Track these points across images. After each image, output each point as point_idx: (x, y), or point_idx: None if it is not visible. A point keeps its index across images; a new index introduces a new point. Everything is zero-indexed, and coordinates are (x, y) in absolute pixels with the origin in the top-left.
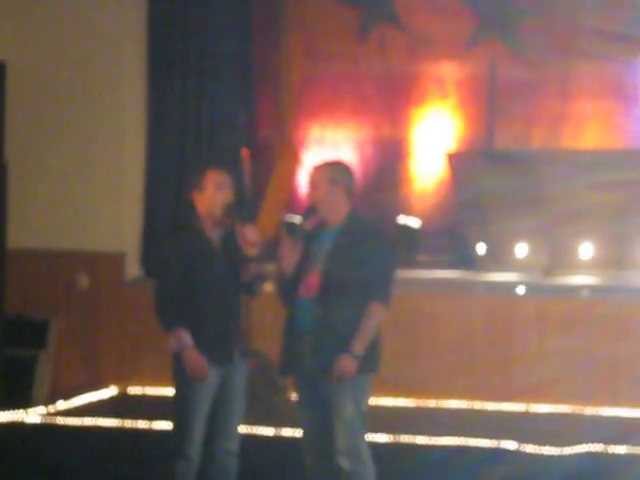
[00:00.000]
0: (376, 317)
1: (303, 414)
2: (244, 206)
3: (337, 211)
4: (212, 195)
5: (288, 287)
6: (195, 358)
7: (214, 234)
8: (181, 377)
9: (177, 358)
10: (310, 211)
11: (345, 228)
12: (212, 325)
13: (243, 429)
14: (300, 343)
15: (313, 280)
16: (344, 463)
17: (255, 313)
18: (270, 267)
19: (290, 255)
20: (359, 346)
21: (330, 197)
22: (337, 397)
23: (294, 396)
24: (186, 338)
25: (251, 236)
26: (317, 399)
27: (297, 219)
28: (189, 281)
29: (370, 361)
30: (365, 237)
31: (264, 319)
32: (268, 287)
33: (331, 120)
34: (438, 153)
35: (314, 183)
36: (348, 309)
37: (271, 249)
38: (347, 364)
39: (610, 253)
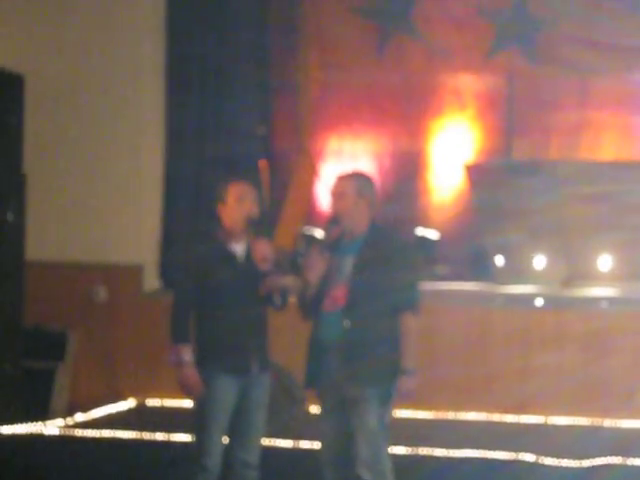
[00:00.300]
0: (413, 328)
1: (327, 426)
2: (262, 218)
3: (360, 223)
4: (233, 207)
5: (314, 300)
6: (188, 376)
7: (238, 247)
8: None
9: (199, 374)
10: (333, 221)
11: (369, 239)
12: (229, 337)
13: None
14: (327, 356)
15: (339, 293)
16: (365, 474)
17: (273, 325)
18: (290, 279)
19: (316, 266)
20: (411, 361)
21: (356, 208)
22: (363, 408)
23: (313, 408)
24: (186, 355)
25: (263, 251)
26: (342, 412)
27: (315, 231)
28: (208, 292)
29: (394, 372)
30: (391, 247)
31: (282, 332)
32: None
33: (349, 132)
34: (456, 165)
35: (340, 193)
36: (377, 320)
37: (289, 262)
38: (409, 383)
39: (629, 265)
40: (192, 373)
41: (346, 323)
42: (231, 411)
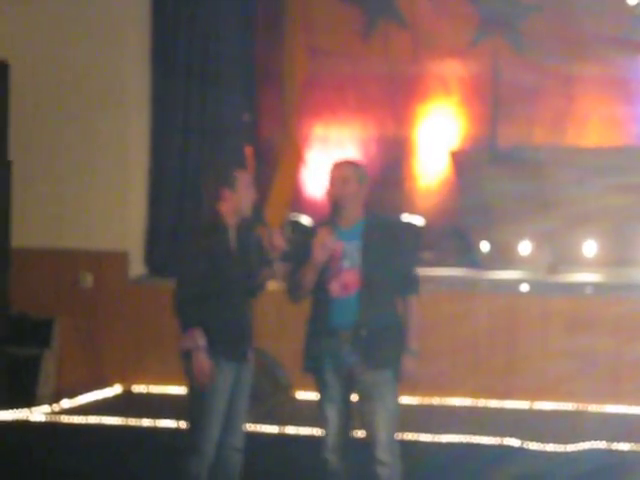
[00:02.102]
0: (418, 311)
1: (332, 412)
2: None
3: (359, 209)
4: (243, 195)
5: (317, 284)
6: (204, 360)
7: (232, 235)
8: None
9: (188, 358)
10: (338, 206)
11: (370, 224)
12: (231, 324)
13: (246, 427)
14: (335, 340)
15: (349, 278)
16: (386, 457)
17: (258, 312)
18: (276, 267)
19: (327, 247)
20: (416, 343)
21: (358, 194)
22: (385, 390)
23: (299, 394)
24: (200, 339)
25: (278, 240)
26: (346, 396)
27: (302, 218)
28: (211, 280)
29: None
30: (393, 230)
31: (267, 317)
32: (271, 285)
33: (335, 119)
34: (442, 151)
35: (344, 179)
36: (388, 304)
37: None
38: (413, 364)
39: (614, 250)
40: (206, 357)
41: (361, 307)
42: (228, 396)
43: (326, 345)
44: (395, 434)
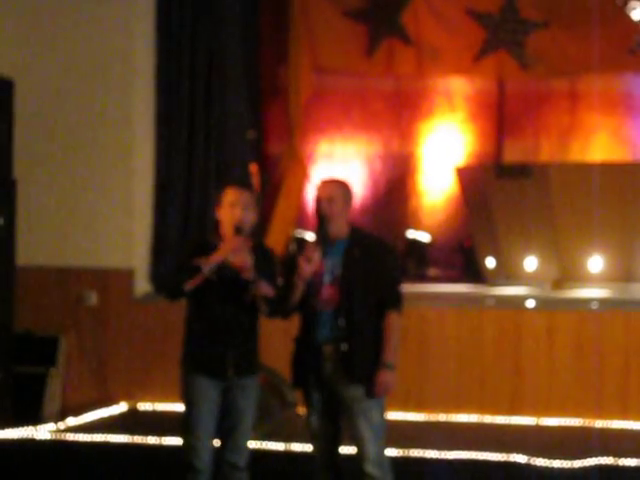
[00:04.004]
0: (397, 325)
1: (319, 427)
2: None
3: (343, 226)
4: (225, 213)
5: (302, 299)
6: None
7: (231, 256)
8: (185, 394)
9: (182, 375)
10: (324, 223)
11: (352, 241)
12: (208, 340)
13: (253, 444)
14: (319, 354)
15: (330, 292)
16: (375, 471)
17: (264, 328)
18: (268, 288)
19: (313, 262)
20: (391, 357)
21: (343, 213)
22: (365, 405)
23: (304, 410)
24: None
25: (241, 261)
26: (332, 410)
27: (307, 234)
28: (196, 294)
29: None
30: (373, 248)
31: (274, 334)
32: None
33: (339, 135)
34: (447, 167)
35: (330, 198)
36: (369, 317)
37: (282, 265)
38: (387, 377)
39: (619, 266)
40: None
41: (341, 322)
42: (217, 413)
43: (309, 360)
44: (384, 448)
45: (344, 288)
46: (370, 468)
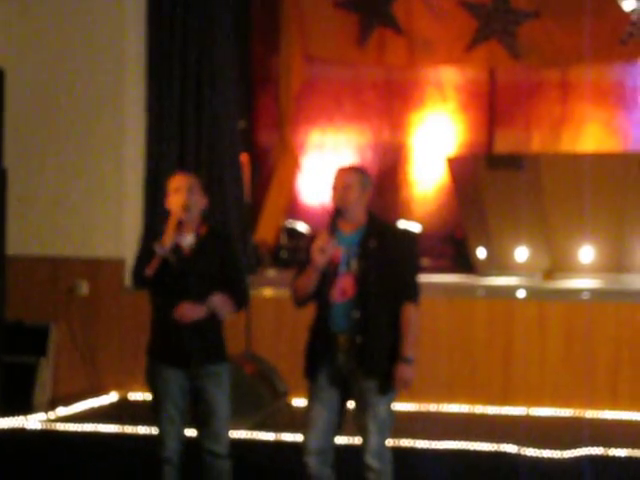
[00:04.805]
0: (415, 318)
1: (319, 416)
2: (243, 212)
3: (361, 215)
4: (171, 199)
5: (317, 289)
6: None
7: (186, 238)
8: (149, 383)
9: (146, 365)
10: (339, 213)
11: (370, 230)
12: (168, 328)
13: (244, 434)
14: (332, 345)
15: (346, 283)
16: (375, 463)
17: (255, 318)
18: (219, 302)
19: (327, 250)
20: (411, 351)
21: (359, 201)
22: (375, 399)
23: (295, 401)
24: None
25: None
26: (337, 402)
27: (298, 224)
28: (157, 282)
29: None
30: (391, 237)
31: (264, 324)
32: (268, 292)
33: (331, 125)
34: (438, 157)
35: (346, 186)
36: (385, 309)
37: (274, 255)
38: (407, 371)
39: (610, 256)
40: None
41: (355, 313)
42: (182, 401)
43: (323, 350)
44: (386, 441)
45: (360, 279)
46: (370, 459)
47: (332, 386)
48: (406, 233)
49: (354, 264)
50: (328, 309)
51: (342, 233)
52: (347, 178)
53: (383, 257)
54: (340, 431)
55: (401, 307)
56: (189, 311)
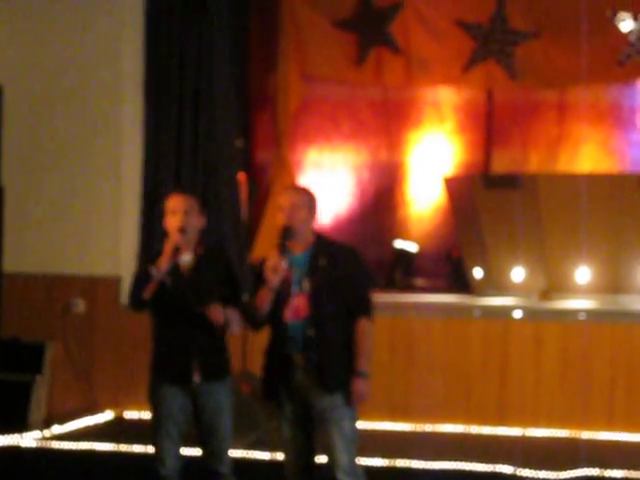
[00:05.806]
0: (369, 332)
1: (292, 438)
2: (241, 230)
3: (309, 234)
4: (168, 220)
5: (271, 310)
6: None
7: (184, 257)
8: (150, 402)
9: (148, 384)
10: (288, 232)
11: (318, 249)
12: (170, 347)
13: (239, 453)
14: (290, 364)
15: (300, 303)
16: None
17: (251, 337)
18: (230, 312)
19: (279, 271)
20: (365, 365)
21: (308, 220)
22: (337, 414)
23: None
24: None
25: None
26: (303, 419)
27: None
28: (157, 302)
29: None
30: (339, 255)
31: (261, 343)
32: None
33: (328, 144)
34: (435, 177)
35: (293, 206)
36: (339, 326)
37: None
38: (362, 386)
39: (606, 277)
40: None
41: (310, 332)
42: (182, 419)
43: (281, 369)
44: (356, 456)
45: (312, 297)
46: (342, 476)
47: (294, 406)
48: (351, 249)
49: (306, 283)
50: (283, 329)
51: (292, 253)
52: (295, 198)
53: (333, 275)
54: (318, 446)
55: (355, 322)
56: (218, 312)
